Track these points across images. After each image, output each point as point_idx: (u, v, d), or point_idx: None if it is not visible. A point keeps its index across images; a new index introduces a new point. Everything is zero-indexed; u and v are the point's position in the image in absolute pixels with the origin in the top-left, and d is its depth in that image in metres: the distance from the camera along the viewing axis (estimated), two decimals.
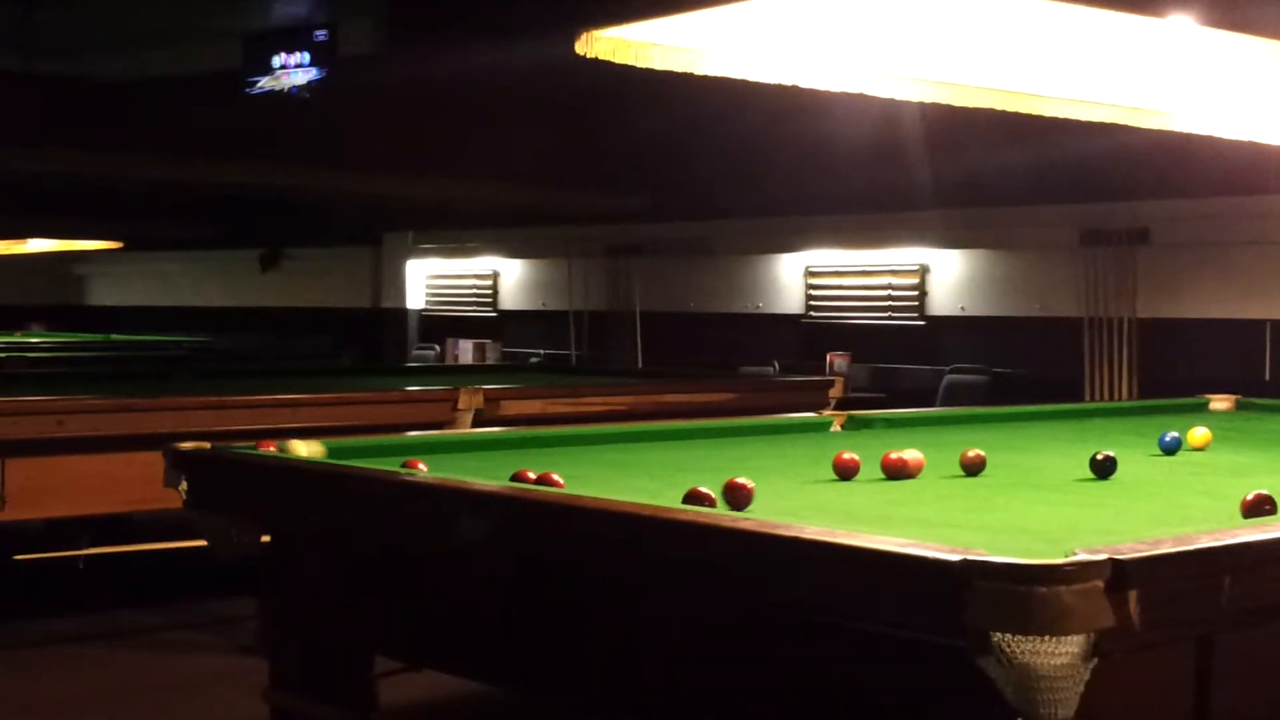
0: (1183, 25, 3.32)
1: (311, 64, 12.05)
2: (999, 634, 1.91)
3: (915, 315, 11.00)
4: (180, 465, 3.45)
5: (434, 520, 2.92)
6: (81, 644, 5.82)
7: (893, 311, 11.15)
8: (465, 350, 13.45)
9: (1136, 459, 3.88)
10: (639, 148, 11.07)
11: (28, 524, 6.30)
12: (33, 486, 5.24)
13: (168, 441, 3.55)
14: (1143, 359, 9.65)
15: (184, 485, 3.43)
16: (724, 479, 3.45)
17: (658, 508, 2.60)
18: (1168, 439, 4.05)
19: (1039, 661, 1.90)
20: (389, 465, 3.37)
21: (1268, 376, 9.01)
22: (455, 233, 14.34)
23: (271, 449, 3.48)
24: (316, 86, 11.83)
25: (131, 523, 6.87)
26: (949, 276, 10.81)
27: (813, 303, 11.64)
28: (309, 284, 15.71)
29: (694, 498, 2.79)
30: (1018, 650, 1.90)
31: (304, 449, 3.51)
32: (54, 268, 17.84)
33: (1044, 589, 1.91)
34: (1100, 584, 1.95)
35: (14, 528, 6.18)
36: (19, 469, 5.21)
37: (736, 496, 2.82)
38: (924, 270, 10.91)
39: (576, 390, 6.67)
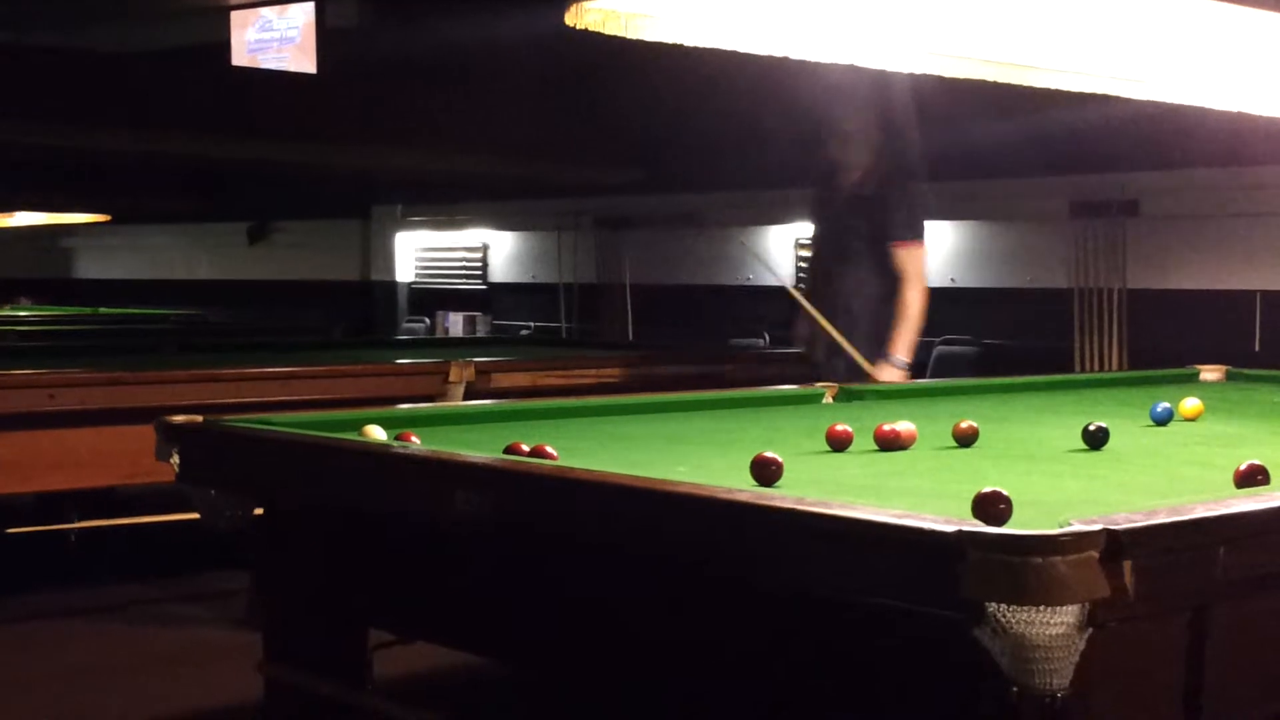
0: None
1: (299, 37, 12.01)
2: (994, 604, 1.92)
3: None
4: (172, 438, 3.44)
5: (427, 493, 2.92)
6: (74, 618, 5.82)
7: None
8: (455, 323, 13.42)
9: (1128, 430, 3.89)
10: (629, 120, 11.03)
11: (18, 498, 6.30)
12: (23, 460, 5.24)
13: (158, 415, 3.55)
14: (1132, 330, 9.66)
15: (175, 458, 3.43)
16: (716, 450, 3.47)
17: (652, 480, 2.60)
18: (1159, 410, 4.05)
19: (1034, 632, 1.91)
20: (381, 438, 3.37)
21: (1257, 347, 9.01)
22: (444, 205, 14.30)
23: (414, 439, 3.30)
24: (304, 59, 11.80)
25: (115, 496, 6.87)
26: (939, 248, 10.79)
27: (803, 274, 11.62)
28: (298, 257, 15.66)
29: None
30: (1013, 620, 1.91)
31: (378, 433, 3.44)
32: (41, 241, 17.77)
33: (1039, 559, 1.92)
34: (1095, 554, 1.96)
35: (4, 501, 6.17)
36: (9, 442, 5.20)
37: (765, 472, 2.81)
38: None
39: (568, 363, 6.67)
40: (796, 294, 6.05)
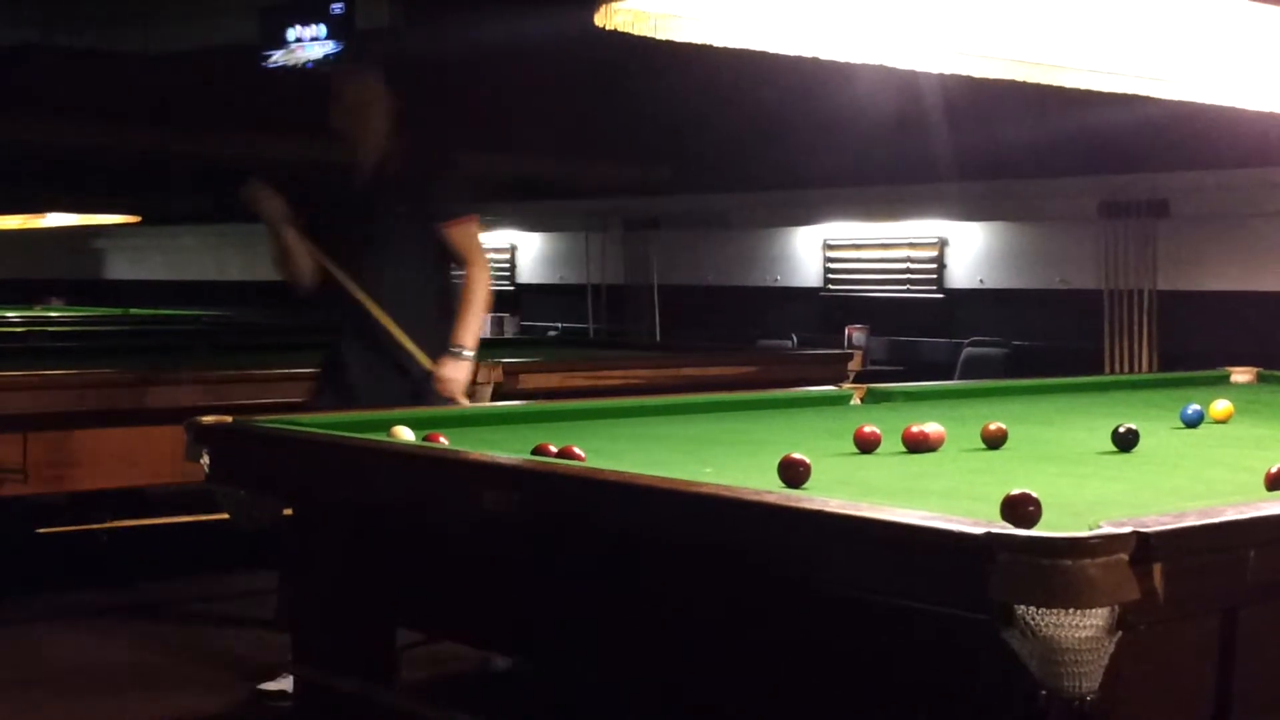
0: None
1: (328, 37, 12.04)
2: (1023, 607, 1.91)
3: (934, 288, 10.97)
4: (202, 439, 3.45)
5: (455, 493, 2.93)
6: (104, 617, 5.84)
7: (911, 284, 11.12)
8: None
9: (1158, 432, 3.87)
10: (657, 120, 11.03)
11: (49, 497, 6.33)
12: (54, 460, 5.26)
13: (189, 415, 3.56)
14: (1163, 331, 9.62)
15: (206, 458, 3.44)
16: (743, 452, 3.46)
17: (679, 481, 2.59)
18: (1189, 412, 4.03)
19: (1063, 634, 1.90)
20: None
21: None
22: (472, 206, 14.30)
23: (442, 440, 3.33)
24: (333, 60, 11.82)
25: (146, 496, 6.90)
26: (968, 249, 10.78)
27: (831, 276, 11.62)
28: None
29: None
30: (1042, 623, 1.90)
31: (406, 434, 3.45)
32: (72, 242, 17.85)
33: (1068, 562, 1.91)
34: (1124, 557, 1.95)
35: (35, 501, 6.21)
36: (41, 442, 5.22)
37: (793, 474, 2.81)
38: (943, 243, 10.88)
39: (595, 364, 6.67)
40: (349, 282, 5.05)
